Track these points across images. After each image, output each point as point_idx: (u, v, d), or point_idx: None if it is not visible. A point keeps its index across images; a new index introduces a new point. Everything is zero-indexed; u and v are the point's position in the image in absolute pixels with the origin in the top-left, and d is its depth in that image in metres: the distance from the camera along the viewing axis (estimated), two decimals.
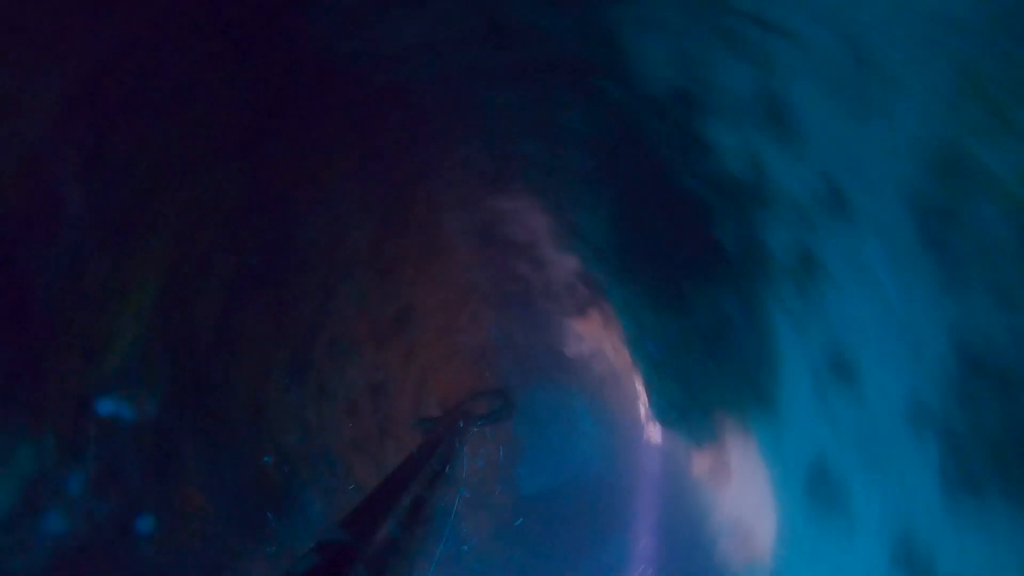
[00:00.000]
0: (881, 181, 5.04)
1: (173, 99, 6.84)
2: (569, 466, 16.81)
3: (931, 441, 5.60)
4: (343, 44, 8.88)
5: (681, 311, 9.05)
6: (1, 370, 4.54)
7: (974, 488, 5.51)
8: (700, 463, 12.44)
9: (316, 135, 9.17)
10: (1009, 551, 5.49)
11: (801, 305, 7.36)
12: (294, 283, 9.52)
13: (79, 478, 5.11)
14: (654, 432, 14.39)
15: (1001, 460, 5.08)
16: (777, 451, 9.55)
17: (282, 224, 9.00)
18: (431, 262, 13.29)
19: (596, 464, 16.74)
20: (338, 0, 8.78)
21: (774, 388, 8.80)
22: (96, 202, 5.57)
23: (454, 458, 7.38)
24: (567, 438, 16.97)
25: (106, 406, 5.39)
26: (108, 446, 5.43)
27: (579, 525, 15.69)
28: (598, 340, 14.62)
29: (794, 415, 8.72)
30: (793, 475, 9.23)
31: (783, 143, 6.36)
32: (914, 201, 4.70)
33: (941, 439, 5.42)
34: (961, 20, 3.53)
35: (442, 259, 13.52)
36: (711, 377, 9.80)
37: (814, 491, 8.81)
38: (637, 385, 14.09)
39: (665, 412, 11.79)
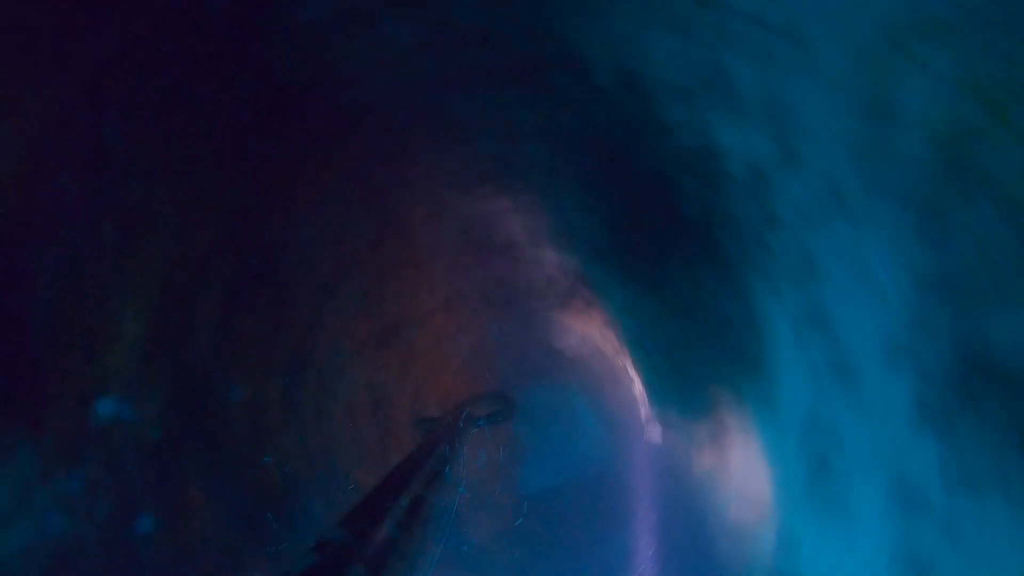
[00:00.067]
0: (824, 133, 5.29)
1: (170, 98, 6.98)
2: (570, 465, 16.93)
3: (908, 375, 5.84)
4: (294, 72, 9.04)
5: (658, 287, 9.27)
6: (3, 408, 4.62)
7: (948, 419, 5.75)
8: (699, 435, 12.65)
9: (280, 164, 9.32)
10: (990, 474, 5.73)
11: (772, 263, 7.59)
12: (280, 309, 9.62)
13: (79, 478, 5.16)
14: (651, 411, 14.60)
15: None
16: (770, 409, 9.78)
17: (261, 250, 9.11)
18: (412, 274, 13.43)
19: (597, 461, 16.87)
20: (296, 22, 8.95)
21: (758, 348, 9.04)
22: (95, 202, 5.68)
23: (454, 458, 7.49)
24: (567, 437, 17.10)
25: (106, 406, 5.45)
26: (108, 446, 5.50)
27: (581, 524, 15.81)
28: (585, 329, 14.83)
29: (780, 370, 8.96)
30: (788, 430, 9.45)
31: (730, 111, 6.60)
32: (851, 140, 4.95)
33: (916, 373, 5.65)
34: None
35: (422, 270, 13.67)
36: (696, 348, 10.03)
37: (808, 442, 9.04)
38: (629, 368, 14.31)
39: (658, 389, 12.00)
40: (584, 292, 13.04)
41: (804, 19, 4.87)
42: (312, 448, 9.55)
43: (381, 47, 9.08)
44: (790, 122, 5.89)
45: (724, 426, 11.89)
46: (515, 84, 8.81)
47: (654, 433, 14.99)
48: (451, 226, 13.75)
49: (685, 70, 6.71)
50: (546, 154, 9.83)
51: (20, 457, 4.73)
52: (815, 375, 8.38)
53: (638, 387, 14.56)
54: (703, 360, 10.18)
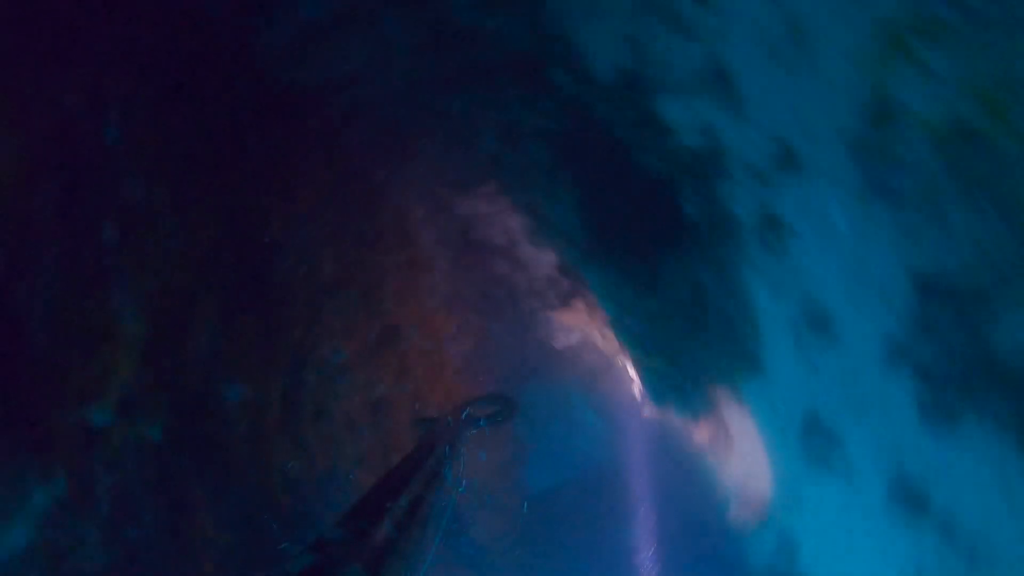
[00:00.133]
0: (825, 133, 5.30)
1: (169, 99, 6.98)
2: (571, 464, 16.97)
3: (905, 370, 5.86)
4: (294, 72, 9.05)
5: (658, 287, 9.28)
6: (4, 408, 4.64)
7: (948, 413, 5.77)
8: (699, 435, 12.67)
9: (279, 164, 9.31)
10: (985, 465, 5.76)
11: (772, 263, 7.61)
12: (279, 309, 9.62)
13: (91, 511, 5.20)
14: (651, 412, 14.62)
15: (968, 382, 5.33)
16: (770, 409, 9.80)
17: (260, 251, 9.11)
18: (411, 274, 13.43)
19: (598, 459, 16.91)
20: (285, 30, 8.95)
21: (757, 348, 9.05)
22: (77, 241, 5.69)
23: (453, 458, 7.49)
24: (568, 437, 17.13)
25: (111, 438, 5.48)
26: (117, 477, 5.52)
27: (583, 523, 15.85)
28: (585, 329, 14.85)
29: (780, 370, 8.97)
30: (788, 430, 9.48)
31: (731, 111, 6.60)
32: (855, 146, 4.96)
33: (913, 369, 5.67)
34: None
35: (422, 270, 13.66)
36: (696, 348, 10.04)
37: (809, 442, 9.07)
38: (628, 368, 14.31)
39: (658, 389, 12.02)
40: (584, 291, 13.06)
41: (804, 18, 4.88)
42: (316, 469, 9.55)
43: (380, 47, 9.09)
44: (791, 122, 5.90)
45: (723, 423, 11.91)
46: (515, 83, 8.82)
47: (653, 428, 15.02)
48: (450, 226, 13.76)
49: (686, 69, 6.72)
50: (546, 154, 9.84)
51: (33, 493, 4.76)
52: (816, 375, 8.39)
53: (637, 385, 14.59)
54: (702, 357, 10.19)
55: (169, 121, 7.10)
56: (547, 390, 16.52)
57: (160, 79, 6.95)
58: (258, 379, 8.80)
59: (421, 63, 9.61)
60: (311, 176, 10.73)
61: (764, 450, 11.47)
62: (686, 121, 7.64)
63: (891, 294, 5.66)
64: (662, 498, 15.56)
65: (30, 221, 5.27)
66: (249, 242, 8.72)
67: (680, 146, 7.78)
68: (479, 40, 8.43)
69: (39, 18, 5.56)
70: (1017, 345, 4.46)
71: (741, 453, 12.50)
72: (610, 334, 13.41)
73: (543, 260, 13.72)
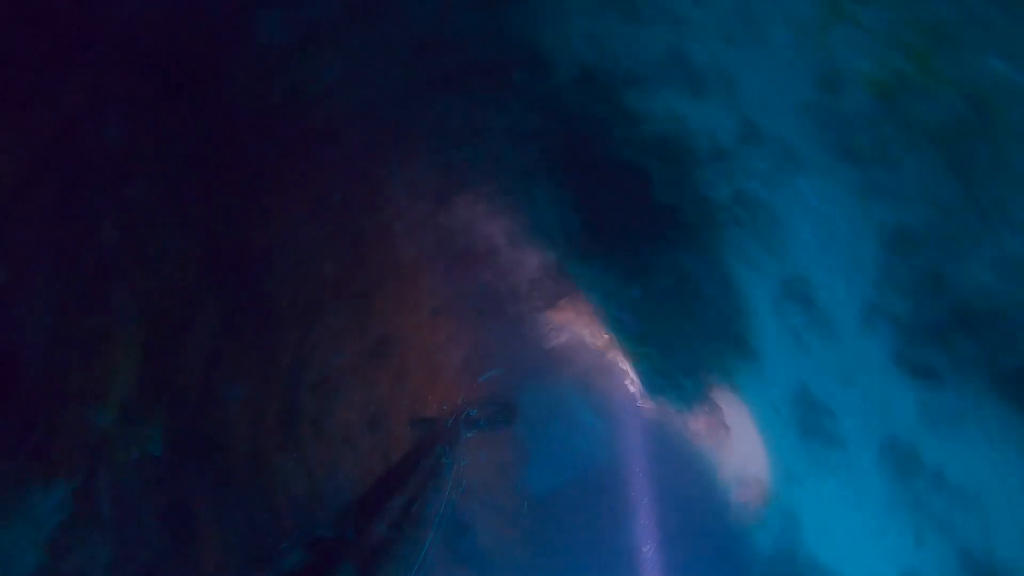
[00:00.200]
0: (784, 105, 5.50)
1: (143, 138, 7.09)
2: (571, 464, 17.02)
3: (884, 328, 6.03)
4: (273, 88, 9.17)
5: (642, 275, 9.45)
6: (10, 430, 4.68)
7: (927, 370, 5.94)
8: (696, 424, 12.78)
9: (278, 165, 9.42)
10: (968, 414, 5.92)
11: (748, 240, 7.78)
12: (279, 309, 9.70)
13: (95, 514, 5.23)
14: (647, 405, 14.73)
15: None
16: (762, 389, 9.94)
17: (246, 272, 9.19)
18: (400, 286, 13.50)
19: (597, 457, 16.99)
20: (258, 45, 9.09)
21: (744, 328, 9.20)
22: (76, 242, 5.79)
23: (450, 460, 7.54)
24: (566, 437, 17.18)
25: (115, 454, 5.52)
26: (121, 494, 5.56)
27: (585, 521, 15.93)
28: (575, 327, 14.97)
29: (768, 348, 9.13)
30: (781, 407, 9.62)
31: (694, 95, 6.80)
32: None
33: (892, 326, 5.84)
34: None
35: (410, 281, 13.74)
36: (685, 334, 10.19)
37: (802, 417, 9.21)
38: (621, 363, 14.44)
39: (652, 381, 12.14)
40: (569, 288, 13.20)
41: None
42: (319, 487, 9.55)
43: (348, 63, 9.24)
44: (752, 99, 6.10)
45: (718, 410, 12.04)
46: (482, 87, 9.00)
47: (650, 421, 15.12)
48: (432, 237, 13.86)
49: (647, 59, 6.91)
50: (517, 155, 10.02)
51: (40, 510, 4.80)
52: (802, 348, 8.56)
53: (631, 379, 14.70)
54: (692, 343, 10.34)
55: (168, 122, 7.23)
56: (543, 391, 16.59)
57: (159, 80, 7.09)
58: (257, 380, 8.87)
59: (390, 76, 9.77)
60: (292, 197, 10.80)
61: (760, 431, 11.61)
62: (653, 110, 7.84)
63: (861, 254, 5.84)
64: (664, 491, 15.62)
65: (29, 222, 5.39)
66: (249, 242, 8.82)
67: (649, 134, 7.97)
68: (442, 47, 8.63)
69: (39, 18, 5.68)
70: (980, 288, 4.65)
71: (738, 438, 12.64)
72: (600, 329, 13.54)
73: (526, 263, 13.86)
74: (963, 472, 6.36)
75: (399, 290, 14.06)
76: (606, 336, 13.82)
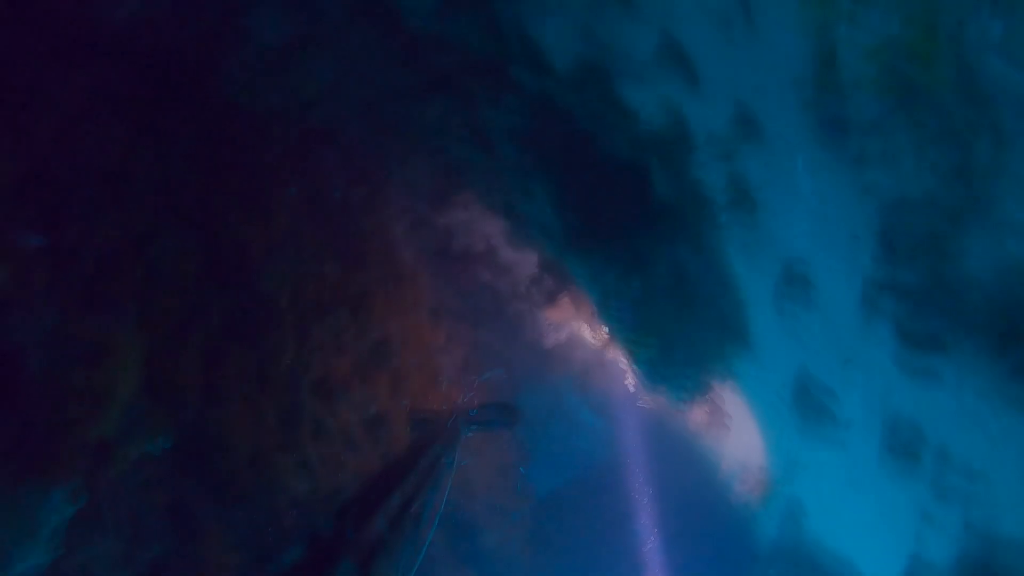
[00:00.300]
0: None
1: (119, 174, 7.10)
2: (572, 464, 17.03)
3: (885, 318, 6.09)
4: (272, 88, 9.22)
5: (640, 269, 9.50)
6: (13, 432, 4.66)
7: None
8: (696, 417, 12.82)
9: (262, 182, 9.43)
10: (977, 400, 5.98)
11: (745, 230, 7.83)
12: (271, 330, 9.66)
13: (102, 525, 5.20)
14: (647, 401, 14.76)
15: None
16: (762, 378, 9.98)
17: (247, 272, 9.18)
18: (403, 285, 13.52)
19: (597, 455, 17.00)
20: (251, 54, 9.14)
21: (742, 318, 9.25)
22: (67, 261, 5.77)
23: (448, 458, 7.53)
24: (567, 437, 17.19)
25: (117, 454, 5.49)
26: (124, 494, 5.54)
27: (591, 517, 15.93)
28: (573, 325, 15.02)
29: (766, 337, 9.18)
30: (781, 396, 9.67)
31: (690, 85, 6.86)
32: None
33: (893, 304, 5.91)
34: None
35: (409, 281, 13.76)
36: (684, 327, 10.23)
37: (803, 405, 9.26)
38: (620, 359, 14.47)
39: (651, 376, 12.18)
40: (568, 285, 13.25)
41: None
42: (321, 490, 9.52)
43: (347, 63, 9.30)
44: (747, 84, 6.17)
45: (719, 402, 12.08)
46: (481, 85, 9.06)
47: (651, 417, 15.16)
48: (432, 237, 13.91)
49: (642, 50, 6.98)
50: (516, 152, 10.07)
51: (47, 511, 4.78)
52: (801, 335, 8.61)
53: (630, 375, 14.73)
54: (691, 335, 10.38)
55: (168, 122, 7.25)
56: (542, 392, 16.60)
57: (159, 80, 7.12)
58: (258, 380, 8.85)
59: (387, 77, 9.84)
60: (289, 201, 10.82)
61: (761, 421, 11.67)
62: (648, 102, 7.90)
63: (860, 233, 5.90)
64: (666, 486, 15.64)
65: (29, 222, 5.39)
66: (249, 242, 8.84)
67: (645, 128, 8.03)
68: (441, 46, 8.69)
69: (39, 18, 5.69)
70: (983, 262, 4.72)
71: (739, 428, 12.69)
72: (598, 325, 13.58)
73: (525, 261, 13.91)
74: (968, 450, 6.42)
75: (398, 290, 14.06)
76: (606, 332, 13.86)
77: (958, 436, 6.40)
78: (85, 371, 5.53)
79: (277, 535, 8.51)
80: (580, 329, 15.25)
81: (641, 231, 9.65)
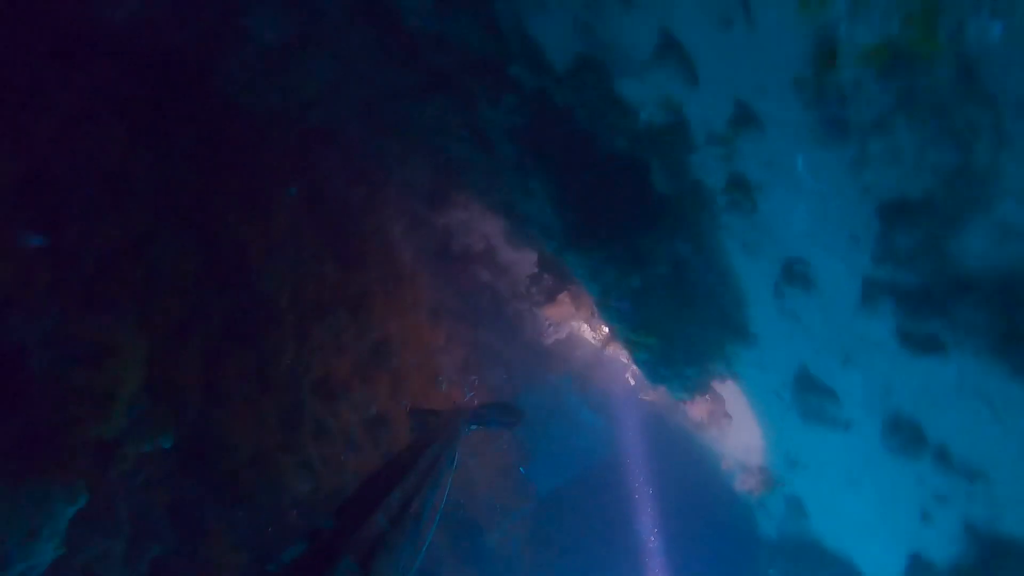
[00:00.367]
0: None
1: (127, 159, 7.10)
2: (573, 463, 17.06)
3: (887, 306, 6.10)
4: (272, 88, 9.21)
5: (640, 264, 9.50)
6: (16, 432, 4.67)
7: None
8: (697, 412, 12.83)
9: (261, 182, 9.43)
10: (975, 396, 5.99)
11: (745, 225, 7.83)
12: (271, 330, 9.67)
13: (108, 523, 5.22)
14: (647, 396, 14.79)
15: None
16: (762, 374, 10.00)
17: (242, 277, 9.19)
18: (402, 286, 13.52)
19: (598, 454, 17.04)
20: (251, 54, 9.13)
21: (742, 314, 9.26)
22: (68, 262, 5.77)
23: (449, 456, 7.52)
24: (567, 436, 17.22)
25: (121, 453, 5.51)
26: (129, 493, 5.56)
27: (593, 515, 15.96)
28: (573, 322, 15.03)
29: (767, 333, 9.19)
30: (782, 392, 9.68)
31: (689, 81, 6.86)
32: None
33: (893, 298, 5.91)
34: None
35: (409, 280, 13.76)
36: (684, 322, 10.24)
37: (804, 400, 9.28)
38: (620, 356, 14.48)
39: (652, 372, 12.20)
40: (567, 283, 13.26)
41: None
42: (323, 489, 9.53)
43: (346, 62, 9.30)
44: (746, 81, 6.17)
45: (719, 397, 12.10)
46: (480, 84, 9.05)
47: (651, 413, 15.18)
48: (430, 239, 13.91)
49: (640, 45, 6.98)
50: (516, 151, 10.06)
51: (56, 508, 4.80)
52: (801, 331, 8.62)
53: (631, 371, 14.76)
54: (691, 331, 10.39)
55: (168, 122, 7.24)
56: (542, 391, 16.62)
57: (159, 80, 7.11)
58: (259, 381, 8.86)
59: (386, 77, 9.84)
60: (288, 202, 10.82)
61: (762, 417, 11.69)
62: (648, 101, 7.90)
63: (860, 230, 5.91)
64: (667, 484, 15.66)
65: (29, 222, 5.40)
66: (249, 242, 8.84)
67: (644, 123, 8.03)
68: (439, 46, 8.68)
69: (39, 18, 5.69)
70: (981, 255, 4.73)
71: (740, 425, 12.72)
72: (598, 322, 13.59)
73: (524, 260, 13.91)
74: (967, 446, 6.44)
75: (398, 290, 14.06)
76: (606, 330, 13.87)
77: (958, 434, 6.42)
78: (86, 371, 5.53)
79: (278, 535, 8.52)
80: (580, 328, 15.26)
81: (641, 229, 9.64)
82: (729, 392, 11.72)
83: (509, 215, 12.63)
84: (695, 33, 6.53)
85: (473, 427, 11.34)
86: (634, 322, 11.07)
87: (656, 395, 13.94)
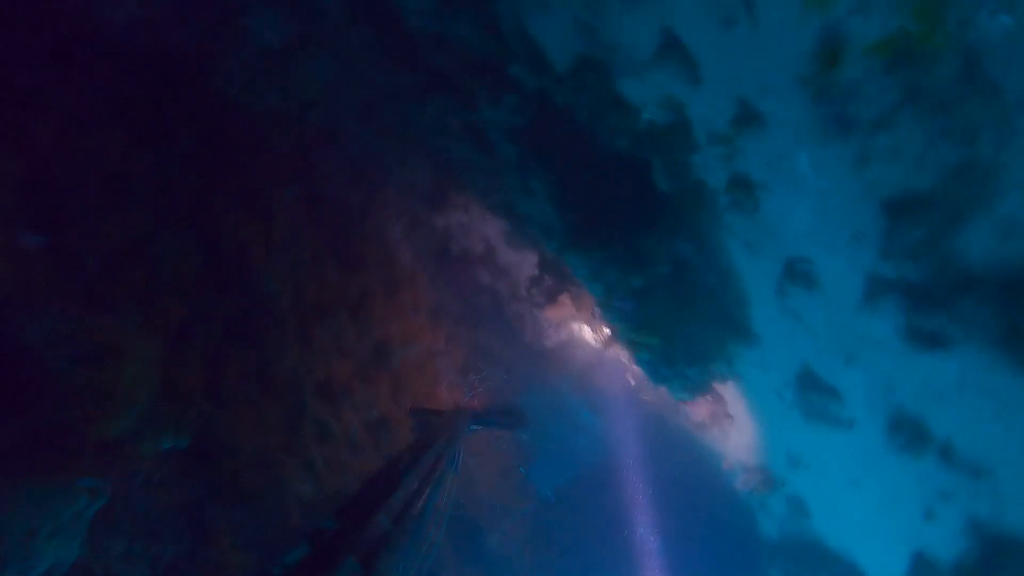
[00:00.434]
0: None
1: (127, 159, 7.07)
2: (574, 463, 17.00)
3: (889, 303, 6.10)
4: (262, 96, 9.19)
5: (641, 264, 9.50)
6: (32, 432, 4.65)
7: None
8: (698, 412, 12.82)
9: (262, 183, 9.40)
10: (979, 392, 5.99)
11: (747, 224, 7.83)
12: (273, 332, 9.63)
13: (117, 525, 5.19)
14: (648, 396, 14.75)
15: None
16: (764, 373, 9.99)
17: (243, 278, 9.15)
18: (402, 288, 13.49)
19: (599, 454, 17.00)
20: (251, 55, 9.11)
21: (744, 313, 9.26)
22: (68, 262, 5.74)
23: (451, 456, 7.49)
24: (568, 437, 17.17)
25: (125, 455, 5.48)
26: (136, 495, 5.53)
27: (589, 518, 15.93)
28: (573, 324, 15.01)
29: (769, 332, 9.19)
30: (784, 391, 9.68)
31: (690, 80, 6.86)
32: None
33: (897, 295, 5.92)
34: None
35: (409, 282, 13.73)
36: (685, 322, 10.24)
37: (806, 399, 9.28)
38: (621, 356, 14.46)
39: (653, 371, 12.18)
40: (568, 284, 13.24)
41: None
42: (326, 491, 9.49)
43: (346, 63, 9.28)
44: (749, 79, 6.18)
45: (721, 396, 12.09)
46: (480, 84, 9.05)
47: (652, 413, 15.14)
48: (429, 241, 13.89)
49: (641, 45, 6.98)
50: (516, 151, 10.06)
51: (77, 507, 4.77)
52: (804, 330, 8.62)
53: (632, 371, 14.74)
54: (692, 330, 10.38)
55: (168, 122, 7.21)
56: (542, 392, 16.57)
57: (159, 80, 7.09)
58: (260, 383, 8.83)
59: (386, 78, 9.82)
60: (287, 204, 10.79)
61: (764, 416, 11.68)
62: (650, 100, 7.90)
63: (862, 227, 5.91)
64: (668, 484, 15.61)
65: (29, 223, 5.37)
66: (249, 243, 8.80)
67: (645, 123, 8.03)
68: (440, 46, 8.67)
69: (39, 18, 5.66)
70: (985, 252, 4.73)
71: (741, 426, 12.70)
72: (599, 323, 13.57)
73: (524, 261, 13.89)
74: (971, 442, 6.44)
75: (398, 292, 14.04)
76: (607, 330, 13.86)
77: (962, 431, 6.42)
78: (87, 372, 5.49)
79: (281, 535, 8.49)
80: (581, 328, 15.24)
81: (643, 229, 9.64)
82: (730, 392, 11.71)
83: (509, 216, 12.62)
84: (697, 32, 6.53)
85: (475, 428, 11.30)
86: (636, 322, 11.07)
87: (656, 396, 13.92)
